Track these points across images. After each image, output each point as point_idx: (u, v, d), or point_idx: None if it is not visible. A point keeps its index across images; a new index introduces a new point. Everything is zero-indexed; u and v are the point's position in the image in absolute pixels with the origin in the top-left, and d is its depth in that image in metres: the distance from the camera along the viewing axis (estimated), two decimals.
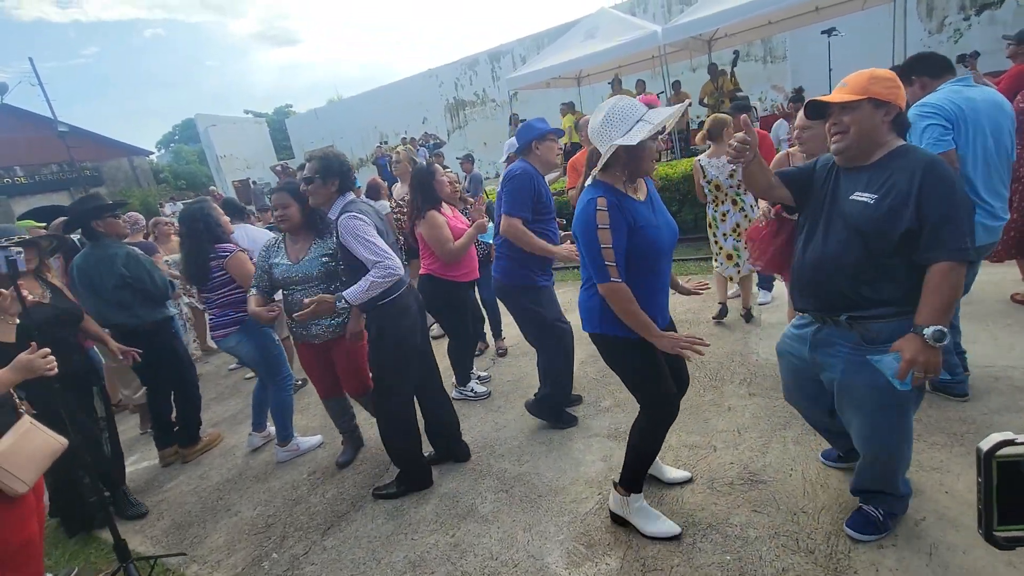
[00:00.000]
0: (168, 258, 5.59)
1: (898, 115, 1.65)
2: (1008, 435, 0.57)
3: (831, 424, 2.10)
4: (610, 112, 1.82)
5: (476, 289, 4.11)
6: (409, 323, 2.61)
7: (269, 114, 37.13)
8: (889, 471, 1.87)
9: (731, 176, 3.82)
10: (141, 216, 5.38)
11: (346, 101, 23.22)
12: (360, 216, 2.42)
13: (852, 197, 1.67)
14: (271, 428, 3.63)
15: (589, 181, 1.93)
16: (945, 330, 1.51)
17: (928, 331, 1.52)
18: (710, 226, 4.07)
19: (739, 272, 3.98)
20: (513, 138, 4.81)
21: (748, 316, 4.06)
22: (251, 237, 4.18)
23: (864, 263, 1.65)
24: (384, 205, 5.28)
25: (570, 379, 3.19)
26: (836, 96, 1.68)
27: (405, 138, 12.72)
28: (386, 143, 16.51)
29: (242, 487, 3.21)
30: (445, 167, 6.17)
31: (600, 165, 1.86)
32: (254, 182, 18.93)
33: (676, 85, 9.33)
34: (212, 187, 17.22)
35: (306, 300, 2.40)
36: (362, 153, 19.80)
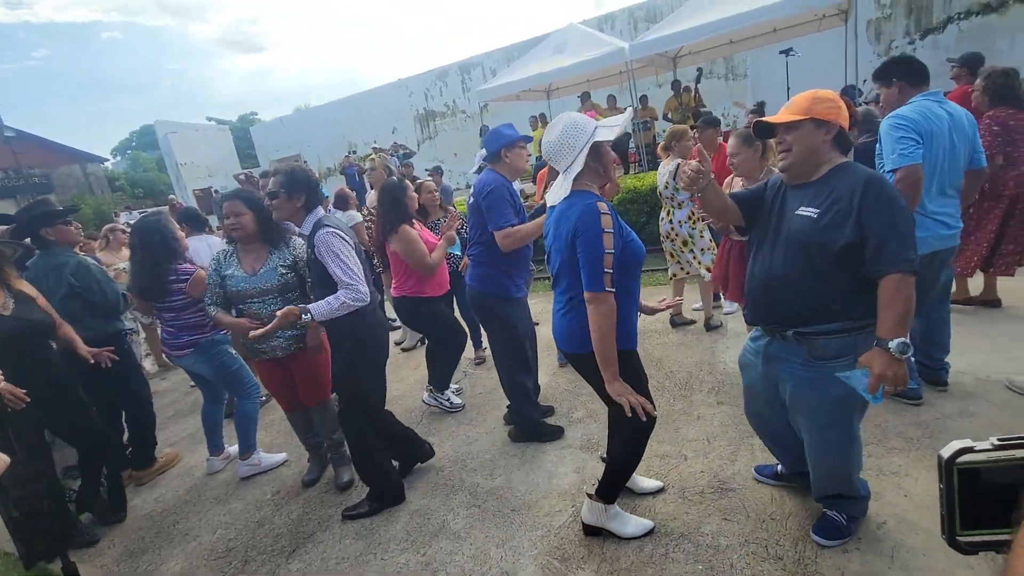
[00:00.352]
0: (122, 264, 5.34)
1: (839, 133, 1.72)
2: (967, 443, 0.59)
3: (786, 437, 2.11)
4: (567, 124, 1.88)
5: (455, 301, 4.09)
6: (385, 336, 2.65)
7: (233, 121, 36.26)
8: (843, 475, 1.94)
9: (666, 187, 4.05)
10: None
11: (314, 110, 22.87)
12: (339, 233, 2.40)
13: (797, 212, 1.74)
14: (230, 449, 3.49)
15: (564, 194, 1.90)
16: (908, 342, 1.56)
17: (893, 344, 1.55)
18: None
19: (683, 271, 4.19)
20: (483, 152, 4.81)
21: (707, 325, 4.15)
22: (213, 248, 4.04)
23: (810, 278, 1.70)
24: (353, 215, 5.20)
25: (535, 389, 3.17)
26: (780, 117, 1.76)
27: (376, 147, 12.59)
28: (355, 153, 16.32)
29: (201, 509, 3.06)
30: (416, 178, 6.12)
31: (574, 174, 1.86)
32: (216, 191, 18.41)
33: (643, 99, 9.57)
34: (171, 196, 16.61)
35: (278, 312, 2.33)
36: (330, 162, 19.52)
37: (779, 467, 2.33)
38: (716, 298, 4.41)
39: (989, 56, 7.34)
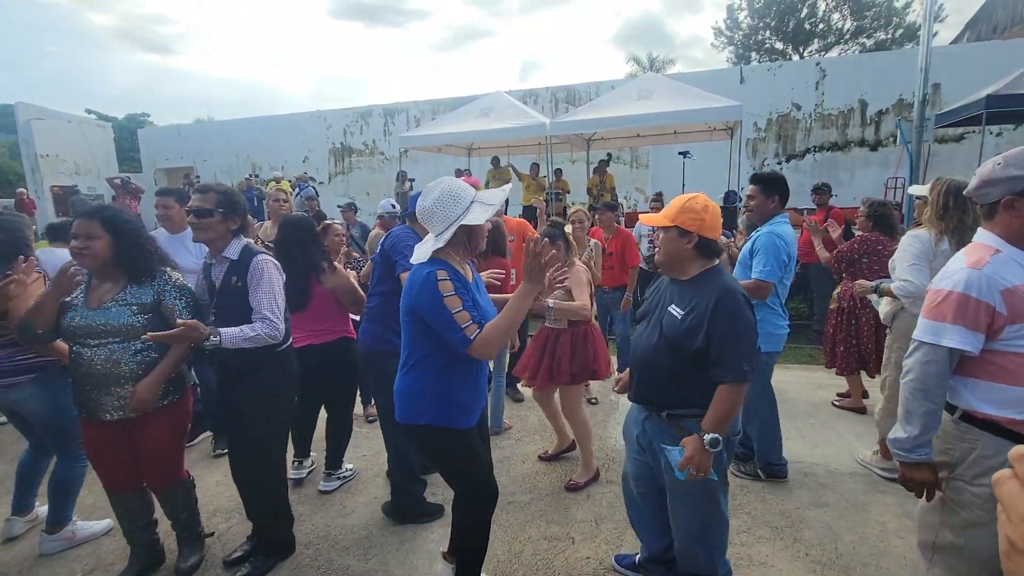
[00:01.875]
0: None
1: (700, 242, 1.86)
2: None
3: (645, 509, 2.18)
4: (444, 192, 1.85)
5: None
6: (298, 375, 2.52)
7: (119, 119, 32.62)
8: (704, 551, 1.97)
9: None
10: None
11: (218, 123, 21.32)
12: (278, 265, 2.32)
13: (669, 308, 1.89)
14: (40, 509, 2.82)
15: (425, 258, 1.86)
16: (720, 438, 1.74)
17: (707, 438, 1.74)
18: None
19: None
20: (389, 200, 4.67)
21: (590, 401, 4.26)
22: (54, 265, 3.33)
23: (674, 369, 1.84)
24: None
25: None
26: (653, 218, 1.95)
27: (279, 176, 11.90)
28: (257, 176, 15.33)
29: None
30: (321, 213, 5.78)
31: (440, 243, 1.83)
32: (76, 190, 16.17)
33: (558, 172, 10.19)
34: (21, 189, 14.27)
35: (179, 320, 2.00)
36: (227, 182, 18.11)
37: (637, 556, 2.35)
38: None
39: (835, 185, 8.77)
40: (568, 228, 3.11)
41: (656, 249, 1.96)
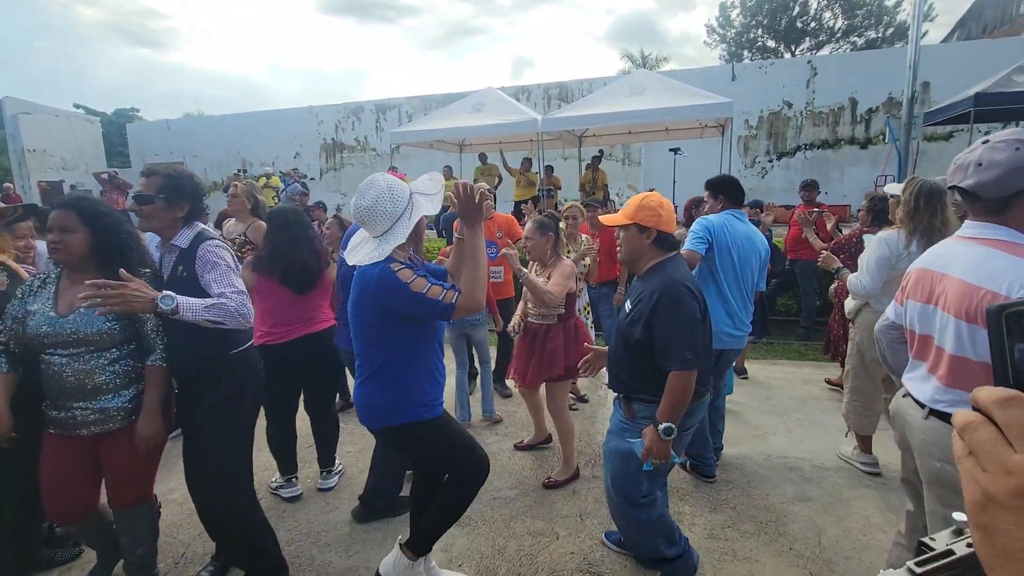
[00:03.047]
0: None
1: (659, 237, 1.97)
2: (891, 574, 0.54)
3: None
4: (382, 191, 1.83)
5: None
6: (263, 382, 2.26)
7: (107, 114, 32.22)
8: (636, 530, 2.09)
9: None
10: None
11: (208, 118, 21.15)
12: (227, 247, 2.07)
13: (625, 303, 2.02)
14: None
15: (375, 258, 1.80)
16: (673, 427, 1.83)
17: (661, 427, 1.84)
18: None
19: None
20: None
21: (580, 397, 4.25)
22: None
23: (625, 358, 2.00)
24: None
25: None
26: (612, 218, 2.05)
27: (269, 171, 11.80)
28: (245, 172, 15.20)
29: None
30: (307, 207, 5.74)
31: (401, 239, 1.82)
32: (72, 186, 16.01)
33: (549, 169, 10.16)
34: (7, 184, 14.07)
35: (121, 271, 1.72)
36: (217, 177, 17.98)
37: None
38: None
39: (825, 183, 8.77)
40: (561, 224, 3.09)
41: (618, 248, 2.06)
